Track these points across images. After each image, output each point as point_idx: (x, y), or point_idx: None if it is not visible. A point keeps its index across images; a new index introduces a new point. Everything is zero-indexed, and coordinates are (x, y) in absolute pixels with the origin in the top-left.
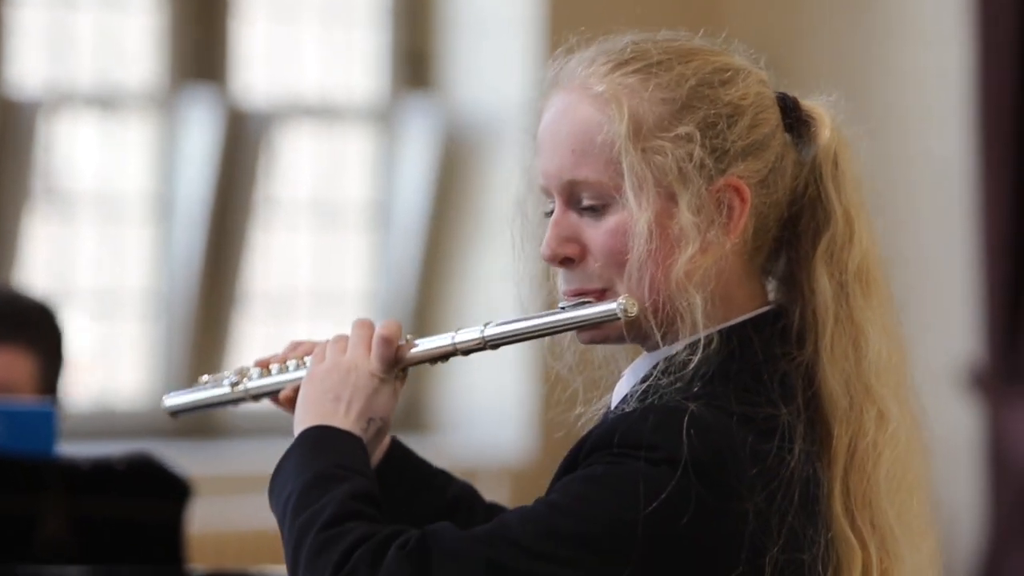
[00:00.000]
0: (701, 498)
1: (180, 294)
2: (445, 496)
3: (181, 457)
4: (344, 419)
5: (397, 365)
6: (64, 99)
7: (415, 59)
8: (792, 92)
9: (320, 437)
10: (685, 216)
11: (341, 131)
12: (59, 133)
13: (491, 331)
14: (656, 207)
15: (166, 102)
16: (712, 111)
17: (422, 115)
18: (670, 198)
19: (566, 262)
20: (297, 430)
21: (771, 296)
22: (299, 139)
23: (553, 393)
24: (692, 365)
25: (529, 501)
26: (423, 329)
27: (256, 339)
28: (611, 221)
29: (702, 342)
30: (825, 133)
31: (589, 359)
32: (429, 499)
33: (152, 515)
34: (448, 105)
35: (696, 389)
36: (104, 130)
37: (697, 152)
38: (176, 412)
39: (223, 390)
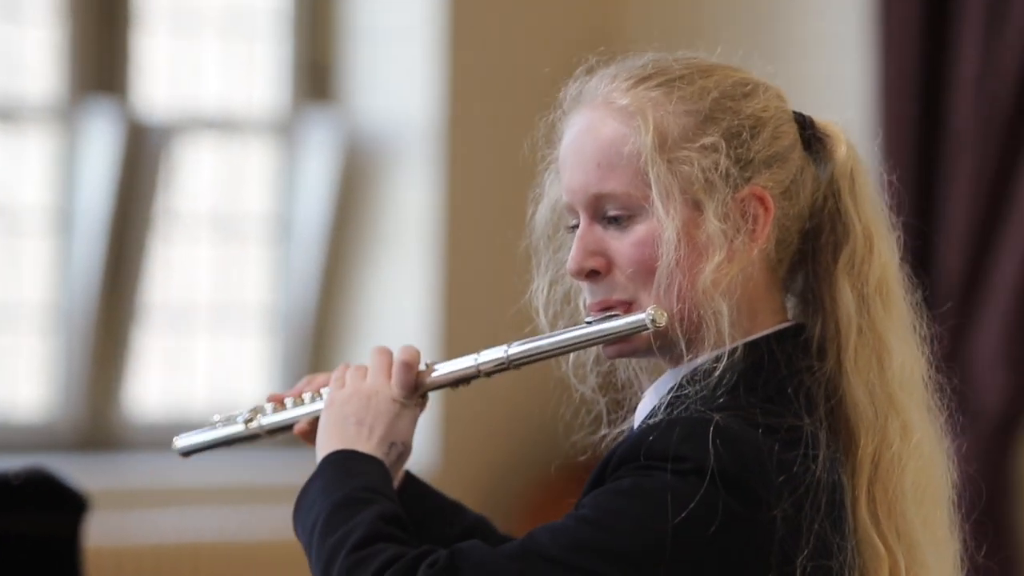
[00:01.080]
0: (729, 507)
1: (79, 307)
2: (458, 527)
3: (78, 471)
4: (367, 443)
5: (418, 390)
6: None
7: (316, 71)
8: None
9: (345, 460)
10: (712, 223)
11: (242, 144)
12: None
13: (515, 350)
14: (683, 216)
15: (66, 115)
16: (735, 122)
17: (323, 127)
18: (696, 207)
19: (592, 275)
20: (320, 455)
21: (790, 313)
22: (200, 152)
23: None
24: (716, 374)
25: None
26: (325, 344)
27: (156, 352)
28: (638, 232)
29: (727, 353)
30: (842, 150)
31: (612, 380)
32: (442, 530)
33: (49, 529)
34: (349, 117)
35: (721, 400)
36: (4, 143)
37: (722, 161)
38: (188, 453)
39: (237, 428)
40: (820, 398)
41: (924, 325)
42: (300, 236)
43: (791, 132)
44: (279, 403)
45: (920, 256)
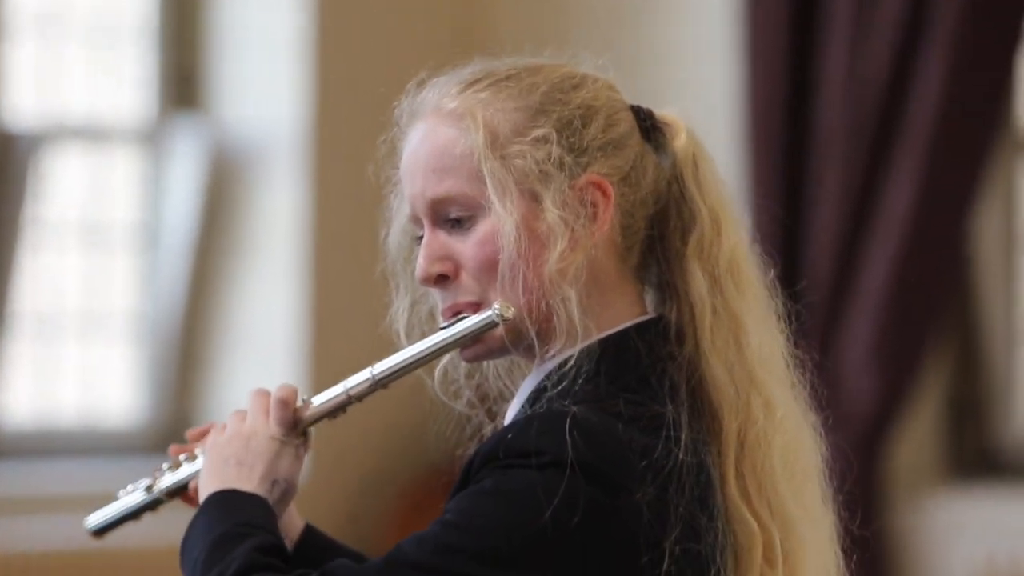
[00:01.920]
0: (590, 497)
1: None
2: None
3: None
4: (248, 482)
5: (297, 427)
6: None
7: (182, 80)
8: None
9: (224, 500)
10: (551, 212)
11: (109, 152)
12: None
13: (379, 369)
14: (521, 209)
15: None
16: (566, 111)
17: (190, 136)
18: (534, 198)
19: (440, 280)
20: (202, 496)
21: (648, 305)
22: (67, 160)
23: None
24: (572, 367)
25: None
26: (193, 351)
27: (25, 360)
28: (479, 231)
29: (586, 348)
30: (682, 137)
31: (486, 392)
32: None
33: None
34: (216, 125)
35: (581, 394)
36: None
37: (555, 151)
38: (100, 531)
39: (139, 496)
40: (682, 383)
41: (780, 303)
42: (167, 244)
43: (626, 119)
44: (175, 464)
45: (789, 260)
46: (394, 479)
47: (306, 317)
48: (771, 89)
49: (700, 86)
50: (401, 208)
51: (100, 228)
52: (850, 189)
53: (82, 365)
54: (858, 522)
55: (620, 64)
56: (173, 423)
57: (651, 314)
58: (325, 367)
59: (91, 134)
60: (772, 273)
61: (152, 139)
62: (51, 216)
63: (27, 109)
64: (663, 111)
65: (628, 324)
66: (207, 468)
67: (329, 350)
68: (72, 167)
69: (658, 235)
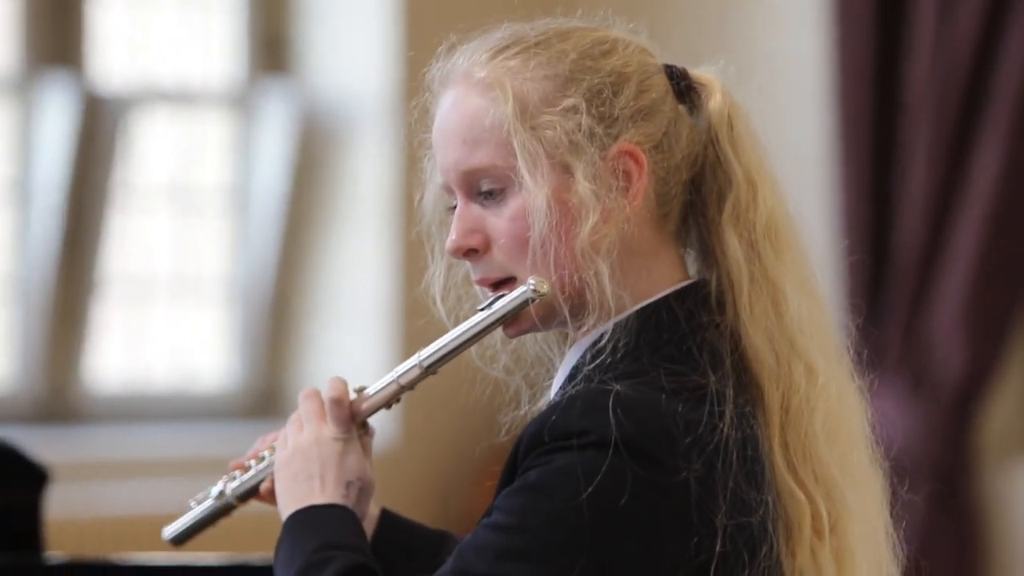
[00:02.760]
0: (637, 476)
1: (37, 279)
2: (440, 558)
3: (38, 443)
4: (322, 494)
5: (355, 421)
6: None
7: (272, 43)
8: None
9: (303, 521)
10: (582, 185)
11: (199, 116)
12: None
13: (426, 356)
14: (552, 182)
15: (22, 87)
16: (596, 80)
17: (280, 99)
18: (565, 170)
19: (471, 254)
20: (283, 517)
21: (692, 268)
22: (156, 124)
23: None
24: (609, 341)
25: (392, 488)
26: (283, 315)
27: (115, 324)
28: (512, 206)
29: (624, 319)
30: (716, 97)
31: (523, 356)
32: (423, 564)
33: (9, 502)
34: (306, 89)
35: (623, 368)
36: None
37: (585, 121)
38: (178, 540)
39: (211, 503)
40: (725, 352)
41: (823, 263)
42: (257, 208)
43: (659, 84)
44: (242, 468)
45: (879, 228)
46: (482, 447)
47: (396, 280)
48: (859, 54)
49: (789, 52)
50: (435, 173)
51: (190, 192)
52: (940, 153)
53: (173, 329)
54: (949, 488)
55: (706, 31)
56: (264, 387)
57: (692, 278)
58: (414, 330)
59: (181, 98)
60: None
61: (242, 103)
62: (141, 180)
63: (117, 72)
64: (698, 70)
65: (667, 291)
66: (280, 489)
67: (419, 313)
68: (162, 131)
69: (696, 200)
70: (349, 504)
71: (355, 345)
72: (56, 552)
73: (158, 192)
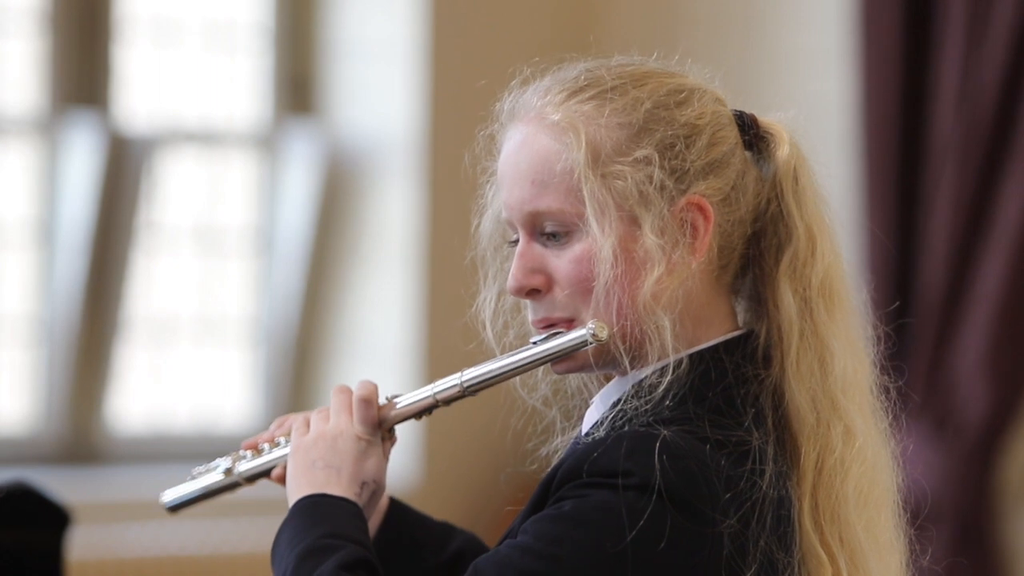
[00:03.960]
0: (676, 523)
1: (62, 320)
2: (446, 551)
3: (61, 484)
4: (336, 486)
5: (382, 425)
6: None
7: (297, 84)
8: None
9: (313, 506)
10: (649, 238)
11: (223, 156)
12: None
13: (468, 377)
14: (619, 231)
15: (48, 127)
16: (669, 132)
17: (305, 140)
18: (633, 222)
19: (533, 293)
20: (291, 502)
21: (741, 317)
22: (181, 164)
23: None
24: (662, 388)
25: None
26: (308, 356)
27: (138, 365)
28: (576, 249)
29: (672, 365)
30: (784, 149)
31: (562, 388)
32: (430, 556)
33: (32, 543)
34: (331, 130)
35: (668, 413)
36: None
37: (657, 174)
38: (175, 507)
39: (216, 477)
40: (768, 407)
41: (870, 326)
42: (282, 249)
43: (730, 136)
44: (255, 449)
45: (902, 268)
46: (507, 473)
47: (420, 321)
48: (885, 96)
49: (814, 94)
50: (496, 200)
51: (215, 232)
52: (965, 197)
53: (197, 370)
54: (972, 529)
55: (732, 71)
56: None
57: (742, 329)
58: (439, 371)
59: (206, 138)
60: (867, 291)
61: (267, 143)
62: (166, 221)
63: (142, 112)
64: (768, 118)
65: (717, 340)
66: (293, 471)
67: (443, 354)
68: (187, 171)
69: (754, 252)
70: (360, 504)
71: (377, 384)
72: None
73: (182, 233)
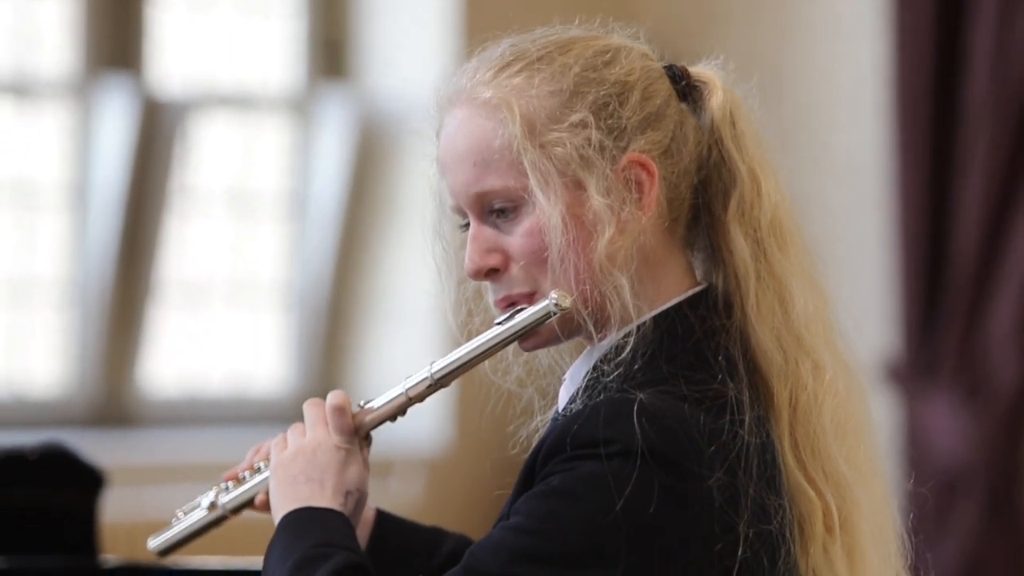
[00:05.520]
0: (664, 484)
1: (95, 283)
2: (439, 554)
3: (94, 446)
4: (321, 498)
5: (359, 432)
6: None
7: (331, 48)
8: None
9: (299, 520)
10: (596, 200)
11: (257, 120)
12: None
13: (437, 368)
14: (566, 198)
15: (82, 90)
16: (601, 92)
17: (338, 104)
18: (578, 186)
19: (491, 274)
20: (276, 518)
21: (698, 271)
22: (215, 128)
23: (475, 390)
24: (628, 350)
25: (444, 492)
26: (339, 320)
27: (171, 328)
28: (526, 223)
29: (636, 329)
30: (718, 95)
31: (535, 367)
32: (421, 563)
33: (65, 505)
34: (364, 94)
35: (641, 376)
36: (19, 118)
37: (595, 135)
38: (165, 551)
39: (201, 514)
40: (737, 354)
41: (824, 260)
42: (315, 213)
43: (663, 89)
44: (236, 479)
45: (935, 234)
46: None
47: (452, 285)
48: (919, 62)
49: (848, 59)
50: (443, 191)
51: (248, 196)
52: (998, 163)
53: (229, 334)
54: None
55: (768, 37)
56: (320, 391)
57: (702, 284)
58: (470, 335)
59: (240, 102)
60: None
61: (300, 107)
62: (199, 184)
63: (176, 76)
64: (700, 68)
65: (680, 298)
66: (276, 488)
67: (473, 318)
68: (220, 134)
69: (702, 202)
70: (346, 513)
71: (410, 349)
72: (111, 555)
73: (216, 196)
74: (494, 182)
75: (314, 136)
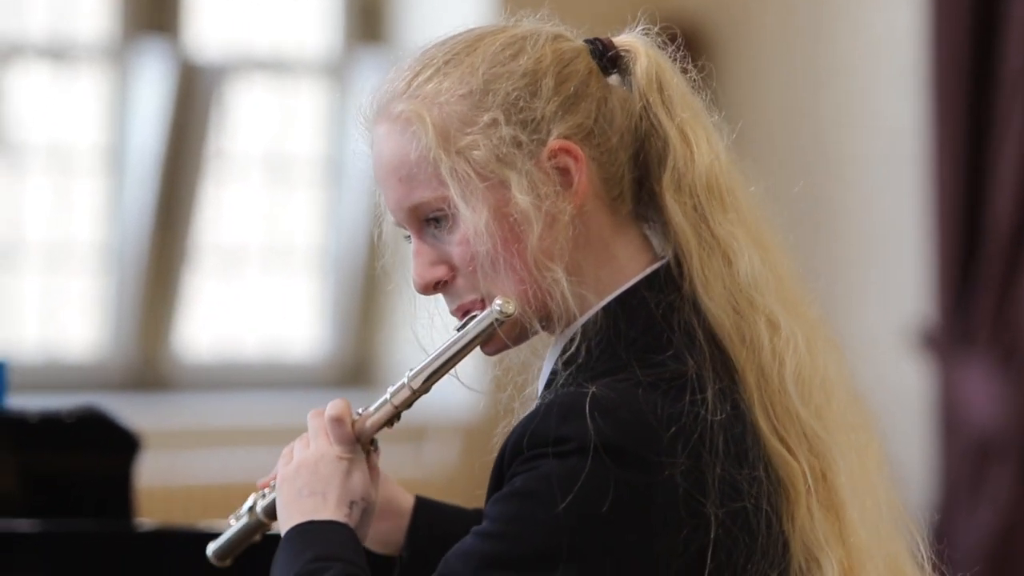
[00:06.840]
0: (621, 479)
1: (131, 247)
2: None
3: (130, 410)
4: (324, 510)
5: (360, 440)
6: (16, 51)
7: (368, 13)
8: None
9: (300, 534)
10: (519, 198)
11: (294, 85)
12: (11, 85)
13: (413, 377)
14: (491, 201)
15: (118, 54)
16: (511, 86)
17: (374, 68)
18: (502, 186)
19: (440, 286)
20: (282, 533)
21: (657, 244)
22: (251, 93)
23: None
24: (581, 343)
25: (480, 458)
26: (375, 284)
27: (207, 293)
28: (459, 231)
29: (588, 319)
30: (642, 61)
31: (511, 366)
32: None
33: (100, 468)
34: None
35: (601, 366)
36: (56, 82)
37: (507, 132)
38: (220, 556)
39: (244, 520)
40: (696, 326)
41: (773, 216)
42: (352, 178)
43: (580, 68)
44: (268, 487)
45: (971, 201)
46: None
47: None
48: (955, 27)
49: (884, 25)
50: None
51: (284, 161)
52: None
53: (265, 299)
54: None
55: (802, 9)
56: (355, 356)
57: (662, 257)
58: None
59: (276, 66)
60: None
61: (337, 72)
62: (235, 148)
63: (213, 40)
64: (622, 37)
65: (636, 279)
66: (282, 504)
67: None
68: (257, 99)
69: (642, 174)
70: (351, 524)
71: (445, 315)
72: (146, 519)
73: (252, 161)
74: (421, 195)
75: (350, 100)
